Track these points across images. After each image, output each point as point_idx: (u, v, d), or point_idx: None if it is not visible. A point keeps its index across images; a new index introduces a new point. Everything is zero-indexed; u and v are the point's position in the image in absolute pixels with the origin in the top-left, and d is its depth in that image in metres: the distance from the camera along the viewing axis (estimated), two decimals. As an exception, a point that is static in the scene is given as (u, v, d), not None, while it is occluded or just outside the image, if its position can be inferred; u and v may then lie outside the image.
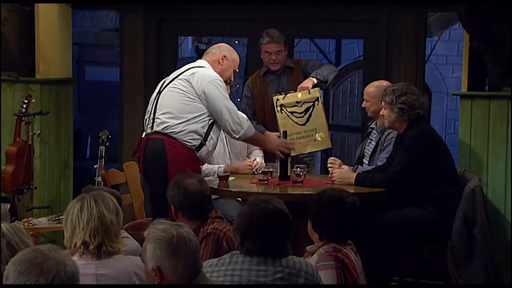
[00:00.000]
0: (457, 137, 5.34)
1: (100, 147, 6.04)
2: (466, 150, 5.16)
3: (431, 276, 5.33)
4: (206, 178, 4.35)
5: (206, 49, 5.23)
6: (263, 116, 5.59)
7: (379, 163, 4.91)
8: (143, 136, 4.82)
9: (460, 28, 5.81)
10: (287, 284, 3.00)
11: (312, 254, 3.47)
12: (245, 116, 5.03)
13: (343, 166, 4.90)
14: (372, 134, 5.18)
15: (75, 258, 2.98)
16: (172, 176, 4.49)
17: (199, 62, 4.94)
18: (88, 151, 10.00)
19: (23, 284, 2.18)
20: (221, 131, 4.85)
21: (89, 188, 3.89)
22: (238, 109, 4.94)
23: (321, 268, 3.28)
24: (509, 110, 4.99)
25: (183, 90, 4.70)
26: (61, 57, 6.36)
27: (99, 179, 5.78)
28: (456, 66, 10.33)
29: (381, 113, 4.83)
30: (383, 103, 4.76)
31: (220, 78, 4.78)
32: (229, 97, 5.13)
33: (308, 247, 3.57)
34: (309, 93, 5.25)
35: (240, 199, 4.99)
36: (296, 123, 5.24)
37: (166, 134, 4.66)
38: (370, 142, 5.17)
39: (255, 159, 5.26)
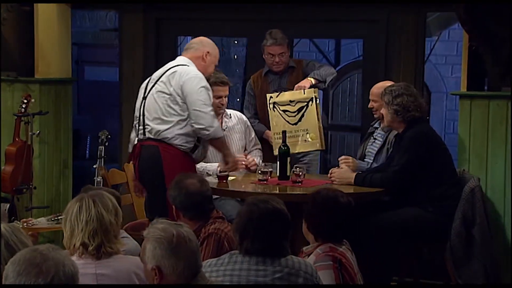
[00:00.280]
0: (456, 137, 5.33)
1: (99, 147, 6.04)
2: (466, 150, 5.16)
3: (431, 276, 5.32)
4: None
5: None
6: (264, 115, 5.57)
7: None
8: (136, 142, 4.77)
9: (460, 28, 5.81)
10: (287, 284, 3.00)
11: (309, 255, 3.47)
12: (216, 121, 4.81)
13: (342, 166, 4.91)
14: (376, 133, 5.19)
15: (74, 258, 2.98)
16: (169, 182, 4.49)
17: (180, 60, 4.83)
18: (87, 151, 10.00)
19: (22, 284, 2.18)
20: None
21: (88, 188, 3.87)
22: (238, 109, 4.93)
23: (319, 268, 3.28)
24: (508, 110, 4.99)
25: (165, 93, 4.64)
26: (61, 57, 6.36)
27: (99, 179, 5.78)
28: (455, 66, 10.33)
29: (380, 111, 4.85)
30: (383, 102, 4.77)
31: (201, 75, 4.68)
32: (229, 97, 5.14)
33: (304, 248, 3.56)
34: (304, 93, 5.23)
35: (239, 199, 4.99)
36: (288, 122, 5.22)
37: (159, 140, 4.63)
38: (374, 141, 5.17)
39: (246, 154, 5.27)
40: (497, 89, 5.05)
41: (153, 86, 4.73)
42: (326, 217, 3.50)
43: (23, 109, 5.85)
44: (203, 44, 4.87)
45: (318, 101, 5.22)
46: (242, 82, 9.84)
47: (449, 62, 10.74)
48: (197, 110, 4.58)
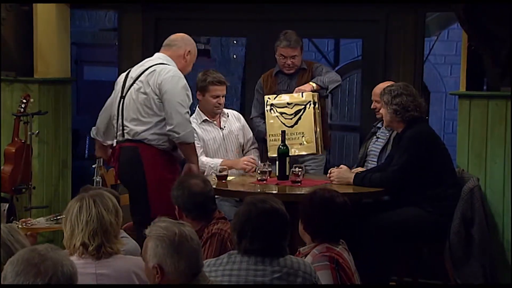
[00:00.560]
0: (455, 137, 5.33)
1: (98, 147, 6.03)
2: (465, 150, 5.16)
3: (430, 276, 5.33)
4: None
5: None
6: None
7: None
8: (115, 144, 4.71)
9: (459, 28, 5.81)
10: (286, 284, 2.99)
11: (306, 256, 3.46)
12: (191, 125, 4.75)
13: (342, 166, 4.91)
14: (379, 132, 5.19)
15: (74, 257, 2.98)
16: (151, 183, 4.48)
17: (159, 57, 4.74)
18: (86, 151, 10.02)
19: (21, 284, 2.18)
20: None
21: (88, 188, 3.87)
22: (239, 110, 4.91)
23: (316, 269, 3.27)
24: (507, 110, 4.99)
25: (143, 93, 4.57)
26: (60, 57, 6.35)
27: (98, 178, 5.77)
28: (454, 66, 10.34)
29: (380, 111, 4.85)
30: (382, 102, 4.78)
31: (180, 74, 4.60)
32: (228, 96, 5.12)
33: (301, 248, 3.56)
34: (302, 96, 5.16)
35: (237, 199, 4.99)
36: (284, 124, 5.17)
37: (139, 141, 4.56)
38: (377, 140, 5.17)
39: (255, 159, 5.26)
40: (496, 89, 5.05)
41: (131, 84, 4.64)
42: (322, 217, 3.50)
43: (22, 109, 5.84)
44: (185, 42, 4.78)
45: (317, 105, 5.15)
46: (241, 83, 9.85)
47: (448, 62, 10.75)
48: (171, 110, 4.49)
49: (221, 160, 5.17)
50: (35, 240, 4.20)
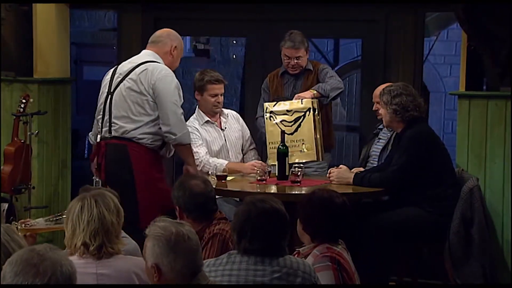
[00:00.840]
0: (455, 137, 5.34)
1: (98, 147, 6.03)
2: (464, 150, 5.16)
3: (430, 276, 5.33)
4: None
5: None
6: None
7: None
8: (99, 140, 4.65)
9: (458, 28, 5.82)
10: (285, 284, 2.99)
11: (306, 256, 3.46)
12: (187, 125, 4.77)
13: (341, 166, 4.91)
14: (380, 134, 5.19)
15: (75, 257, 2.98)
16: (139, 181, 4.46)
17: (148, 55, 4.69)
18: (86, 151, 10.00)
19: (20, 284, 2.17)
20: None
21: (87, 188, 3.87)
22: (239, 110, 4.88)
23: (318, 270, 3.27)
24: (507, 110, 4.99)
25: (135, 91, 4.55)
26: (59, 57, 6.35)
27: (97, 179, 5.76)
28: (454, 66, 10.34)
29: (379, 111, 4.85)
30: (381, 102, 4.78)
31: (171, 73, 4.59)
32: (227, 96, 5.10)
33: (301, 249, 3.55)
34: (302, 103, 5.08)
35: (237, 199, 4.99)
36: (284, 131, 5.13)
37: (127, 139, 4.54)
38: (379, 141, 5.17)
39: (261, 162, 5.19)
40: (495, 89, 5.05)
41: (121, 81, 4.61)
42: (322, 217, 3.50)
43: (21, 109, 5.84)
44: (171, 38, 4.74)
45: (317, 112, 5.07)
46: (241, 83, 9.85)
47: (447, 62, 10.75)
48: (167, 111, 4.49)
49: (226, 162, 5.14)
50: (35, 240, 4.19)
